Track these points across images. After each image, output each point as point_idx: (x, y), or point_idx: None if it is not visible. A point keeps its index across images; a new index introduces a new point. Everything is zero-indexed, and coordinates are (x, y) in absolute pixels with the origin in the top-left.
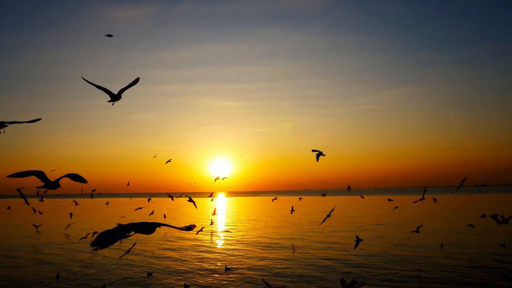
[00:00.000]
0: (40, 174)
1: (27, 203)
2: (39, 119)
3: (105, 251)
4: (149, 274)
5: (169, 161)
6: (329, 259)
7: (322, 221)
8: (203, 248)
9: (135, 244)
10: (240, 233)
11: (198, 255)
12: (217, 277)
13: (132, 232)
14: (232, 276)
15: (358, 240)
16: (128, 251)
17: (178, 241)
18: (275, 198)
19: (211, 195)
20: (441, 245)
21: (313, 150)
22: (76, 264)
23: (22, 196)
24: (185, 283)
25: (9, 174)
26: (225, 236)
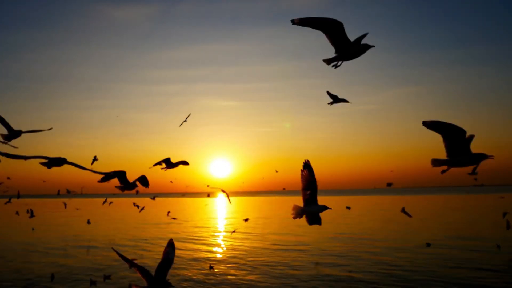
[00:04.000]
0: (122, 175)
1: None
2: (50, 129)
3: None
4: (106, 277)
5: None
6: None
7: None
8: (192, 245)
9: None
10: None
11: (186, 251)
12: (200, 274)
13: None
14: (216, 273)
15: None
16: None
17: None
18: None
19: None
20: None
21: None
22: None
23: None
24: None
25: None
26: (216, 234)
